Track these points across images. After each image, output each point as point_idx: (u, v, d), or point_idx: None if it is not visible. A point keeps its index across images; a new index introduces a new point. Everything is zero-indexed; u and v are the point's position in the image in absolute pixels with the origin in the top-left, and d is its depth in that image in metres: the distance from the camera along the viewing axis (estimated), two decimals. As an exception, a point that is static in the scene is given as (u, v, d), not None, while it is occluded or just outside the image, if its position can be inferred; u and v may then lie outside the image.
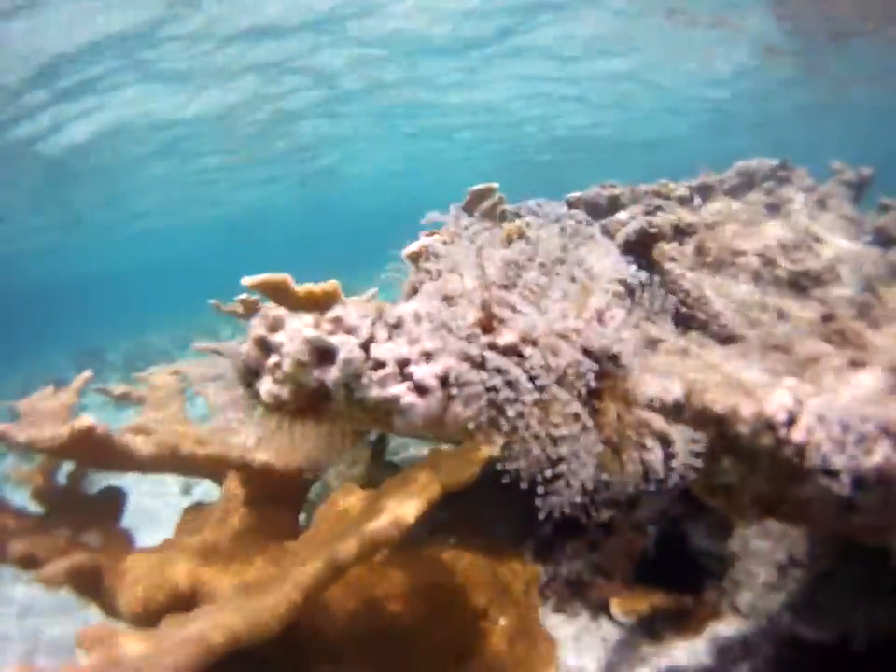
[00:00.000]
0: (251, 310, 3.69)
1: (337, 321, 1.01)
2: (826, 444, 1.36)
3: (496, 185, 3.22)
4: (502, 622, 2.65)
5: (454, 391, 0.96)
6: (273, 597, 1.97)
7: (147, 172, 18.43)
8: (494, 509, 3.16)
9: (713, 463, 1.44)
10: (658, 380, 1.23)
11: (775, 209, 3.97)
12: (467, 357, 0.96)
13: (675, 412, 1.27)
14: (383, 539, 1.95)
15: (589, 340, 1.00)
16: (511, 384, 0.97)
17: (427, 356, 0.99)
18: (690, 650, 2.45)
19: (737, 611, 2.49)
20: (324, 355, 1.00)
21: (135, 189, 20.18)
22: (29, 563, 2.68)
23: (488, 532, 3.06)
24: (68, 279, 45.43)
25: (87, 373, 3.44)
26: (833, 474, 1.38)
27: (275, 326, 1.04)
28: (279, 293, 1.68)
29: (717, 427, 1.41)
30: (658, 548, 2.79)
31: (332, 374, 0.98)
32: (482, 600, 2.66)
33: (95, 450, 2.73)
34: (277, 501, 2.78)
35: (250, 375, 1.07)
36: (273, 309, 1.10)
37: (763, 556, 2.49)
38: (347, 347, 0.96)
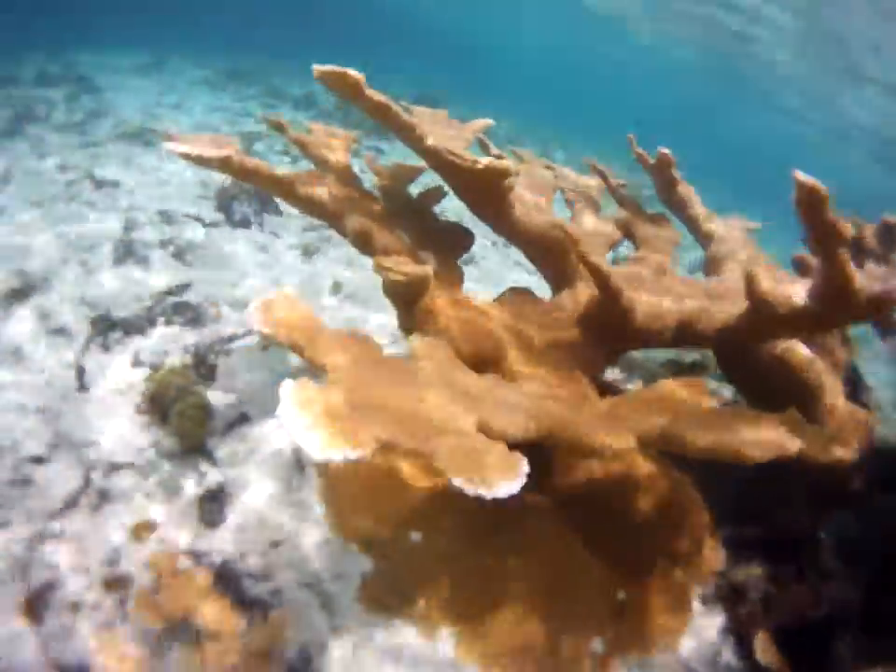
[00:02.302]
0: (668, 165, 3.48)
1: None
2: None
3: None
4: (678, 574, 2.59)
5: None
6: (610, 424, 1.90)
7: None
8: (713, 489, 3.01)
9: None
10: None
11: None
12: None
13: None
14: (744, 456, 1.84)
15: None
16: None
17: None
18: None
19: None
20: None
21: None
22: (364, 242, 2.74)
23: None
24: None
25: (490, 120, 3.38)
26: None
27: None
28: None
29: None
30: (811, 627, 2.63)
31: None
32: (684, 546, 2.61)
33: (487, 190, 2.68)
34: (605, 340, 2.64)
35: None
36: None
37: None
38: None
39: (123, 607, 2.63)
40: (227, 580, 2.73)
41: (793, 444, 1.91)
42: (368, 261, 2.58)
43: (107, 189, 6.27)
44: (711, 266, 3.28)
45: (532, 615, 2.46)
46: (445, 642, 2.52)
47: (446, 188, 3.06)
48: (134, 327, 4.03)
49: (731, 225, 3.53)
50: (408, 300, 2.51)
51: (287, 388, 1.28)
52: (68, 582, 2.69)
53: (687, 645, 2.60)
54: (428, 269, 2.39)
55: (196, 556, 2.80)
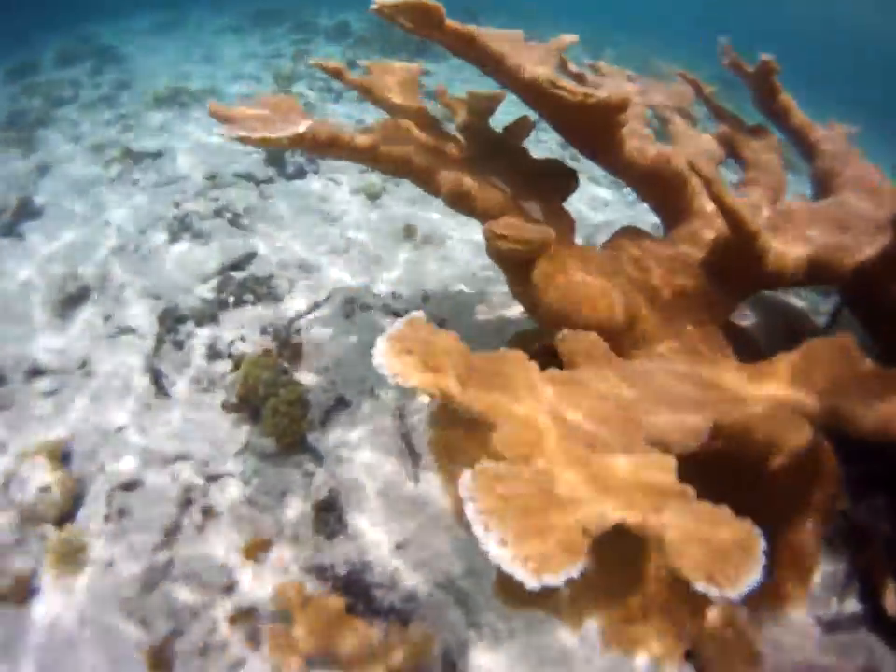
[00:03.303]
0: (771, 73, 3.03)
1: None
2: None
3: None
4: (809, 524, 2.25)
5: None
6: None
7: None
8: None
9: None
10: None
11: None
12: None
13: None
14: None
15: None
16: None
17: None
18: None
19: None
20: None
21: None
22: (461, 202, 2.35)
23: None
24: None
25: (574, 36, 2.89)
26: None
27: None
28: None
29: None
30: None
31: None
32: (816, 497, 2.26)
33: (596, 126, 2.26)
34: (733, 283, 2.27)
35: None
36: None
37: None
38: None
39: (254, 641, 2.40)
40: (356, 593, 2.47)
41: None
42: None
43: (148, 161, 5.93)
44: (822, 181, 2.99)
45: (670, 586, 2.19)
46: (592, 630, 2.28)
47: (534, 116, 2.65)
48: (205, 315, 3.72)
49: (835, 134, 3.23)
50: (522, 264, 2.13)
51: (467, 481, 0.94)
52: (192, 625, 2.46)
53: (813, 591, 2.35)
54: (549, 232, 2.00)
55: (320, 572, 2.54)
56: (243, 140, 2.00)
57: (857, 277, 2.26)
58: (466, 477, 0.95)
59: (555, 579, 0.86)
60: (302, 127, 2.03)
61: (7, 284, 4.27)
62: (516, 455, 1.08)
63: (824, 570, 2.38)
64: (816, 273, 2.27)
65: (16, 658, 2.42)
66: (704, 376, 1.95)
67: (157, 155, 6.02)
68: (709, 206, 2.50)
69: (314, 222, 4.84)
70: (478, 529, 0.90)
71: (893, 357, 2.34)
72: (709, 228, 2.47)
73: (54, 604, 2.56)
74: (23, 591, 2.59)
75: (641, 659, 2.22)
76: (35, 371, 3.54)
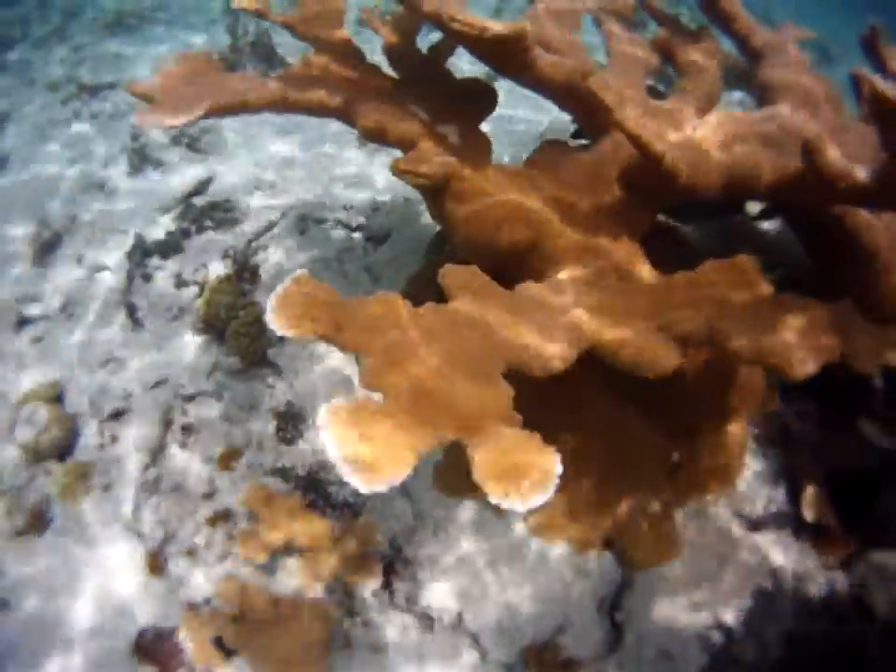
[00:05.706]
0: None
1: None
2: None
3: None
4: (734, 427, 2.43)
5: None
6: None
7: None
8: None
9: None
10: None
11: None
12: None
13: None
14: (788, 373, 1.68)
15: None
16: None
17: None
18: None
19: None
20: None
21: None
22: (377, 138, 2.50)
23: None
24: None
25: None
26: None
27: None
28: None
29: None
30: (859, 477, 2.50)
31: None
32: (738, 399, 2.37)
33: (503, 54, 2.36)
34: (649, 198, 2.34)
35: None
36: None
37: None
38: None
39: (231, 539, 2.77)
40: (316, 490, 2.82)
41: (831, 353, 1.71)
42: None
43: (104, 94, 5.98)
44: (763, 92, 2.88)
45: (593, 486, 2.44)
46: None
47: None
48: (169, 246, 3.93)
49: (782, 39, 3.04)
50: (434, 193, 2.34)
51: (322, 415, 1.20)
52: (179, 531, 2.84)
53: (739, 489, 2.58)
54: (451, 163, 2.19)
55: (283, 474, 2.88)
56: (163, 126, 2.15)
57: (775, 196, 2.30)
58: (321, 411, 1.21)
59: (382, 486, 1.13)
60: (205, 107, 2.14)
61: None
62: (374, 384, 1.34)
63: (754, 470, 2.58)
64: (731, 191, 2.29)
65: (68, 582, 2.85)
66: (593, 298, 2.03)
67: (111, 86, 6.07)
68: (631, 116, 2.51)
69: (268, 138, 4.96)
70: (330, 449, 1.16)
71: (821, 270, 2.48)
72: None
73: (66, 529, 2.97)
74: (39, 522, 2.99)
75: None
76: (22, 321, 3.83)
